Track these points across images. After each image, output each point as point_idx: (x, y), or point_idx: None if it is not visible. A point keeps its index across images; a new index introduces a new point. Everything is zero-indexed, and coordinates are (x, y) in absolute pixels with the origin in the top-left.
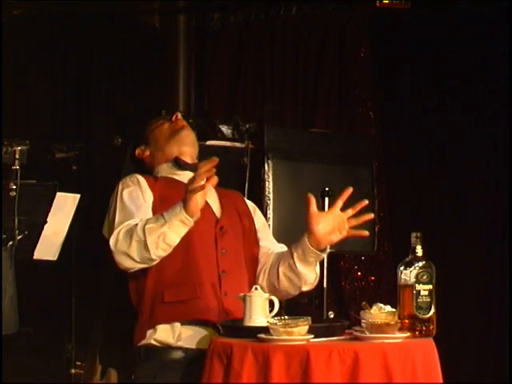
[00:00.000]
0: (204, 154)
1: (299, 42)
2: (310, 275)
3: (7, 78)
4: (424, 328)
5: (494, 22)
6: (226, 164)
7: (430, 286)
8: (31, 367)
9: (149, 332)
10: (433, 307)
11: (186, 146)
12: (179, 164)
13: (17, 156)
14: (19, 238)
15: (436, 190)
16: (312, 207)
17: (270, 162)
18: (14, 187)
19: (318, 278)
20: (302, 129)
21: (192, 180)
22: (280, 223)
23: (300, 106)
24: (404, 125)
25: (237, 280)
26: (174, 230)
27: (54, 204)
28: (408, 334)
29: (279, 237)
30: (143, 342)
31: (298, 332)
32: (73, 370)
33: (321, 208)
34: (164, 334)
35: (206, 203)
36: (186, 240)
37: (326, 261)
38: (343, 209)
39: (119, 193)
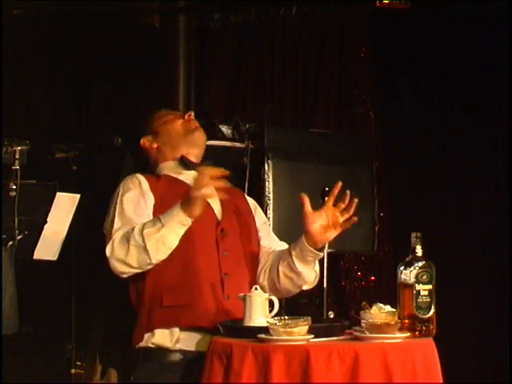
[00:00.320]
0: (204, 153)
1: (299, 42)
2: (309, 274)
3: (7, 78)
4: (424, 328)
5: (494, 21)
6: (226, 164)
7: (430, 286)
8: (31, 367)
9: (147, 335)
10: (433, 307)
11: (198, 147)
12: (185, 163)
13: (17, 156)
14: (19, 238)
15: (436, 190)
16: (306, 207)
17: (270, 161)
18: (14, 187)
19: (317, 277)
20: (302, 129)
21: (198, 186)
22: (280, 223)
23: (300, 105)
24: (404, 125)
25: (239, 282)
26: (173, 232)
27: (54, 204)
28: (408, 334)
29: (279, 237)
30: (141, 344)
31: (298, 332)
32: (73, 370)
33: (319, 207)
34: (162, 338)
35: (207, 203)
36: (186, 242)
37: (326, 261)
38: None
39: (119, 196)
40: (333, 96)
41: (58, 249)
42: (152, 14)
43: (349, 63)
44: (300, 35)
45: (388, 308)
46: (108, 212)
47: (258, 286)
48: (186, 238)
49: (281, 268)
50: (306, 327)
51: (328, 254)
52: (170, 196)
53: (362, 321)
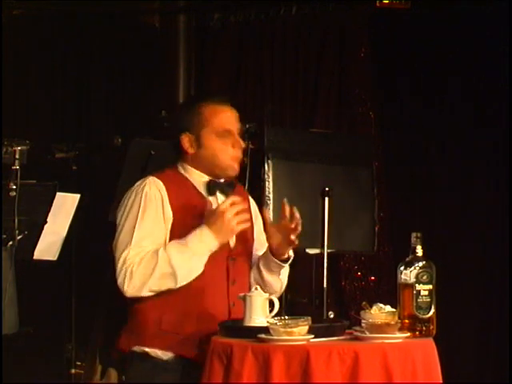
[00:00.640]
0: None
1: (299, 42)
2: (274, 283)
3: (7, 78)
4: (424, 328)
5: (494, 21)
6: None
7: (430, 286)
8: (31, 367)
9: (139, 347)
10: (433, 307)
11: (230, 175)
12: (209, 187)
13: (17, 156)
14: (19, 238)
15: (436, 189)
16: (267, 221)
17: (269, 161)
18: (14, 187)
19: (283, 286)
20: (302, 129)
21: (227, 229)
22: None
23: (300, 105)
24: (404, 125)
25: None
26: (202, 259)
27: (54, 204)
28: (408, 334)
29: None
30: (134, 348)
31: (298, 332)
32: (73, 370)
33: (321, 208)
34: (154, 354)
35: None
36: None
37: (325, 261)
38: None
39: (142, 206)
40: (333, 96)
41: (58, 249)
42: (152, 14)
43: (349, 63)
44: (300, 35)
45: (388, 308)
46: (121, 218)
47: (258, 287)
48: None
49: (253, 275)
50: (306, 327)
51: (328, 254)
52: (187, 210)
53: (362, 321)
